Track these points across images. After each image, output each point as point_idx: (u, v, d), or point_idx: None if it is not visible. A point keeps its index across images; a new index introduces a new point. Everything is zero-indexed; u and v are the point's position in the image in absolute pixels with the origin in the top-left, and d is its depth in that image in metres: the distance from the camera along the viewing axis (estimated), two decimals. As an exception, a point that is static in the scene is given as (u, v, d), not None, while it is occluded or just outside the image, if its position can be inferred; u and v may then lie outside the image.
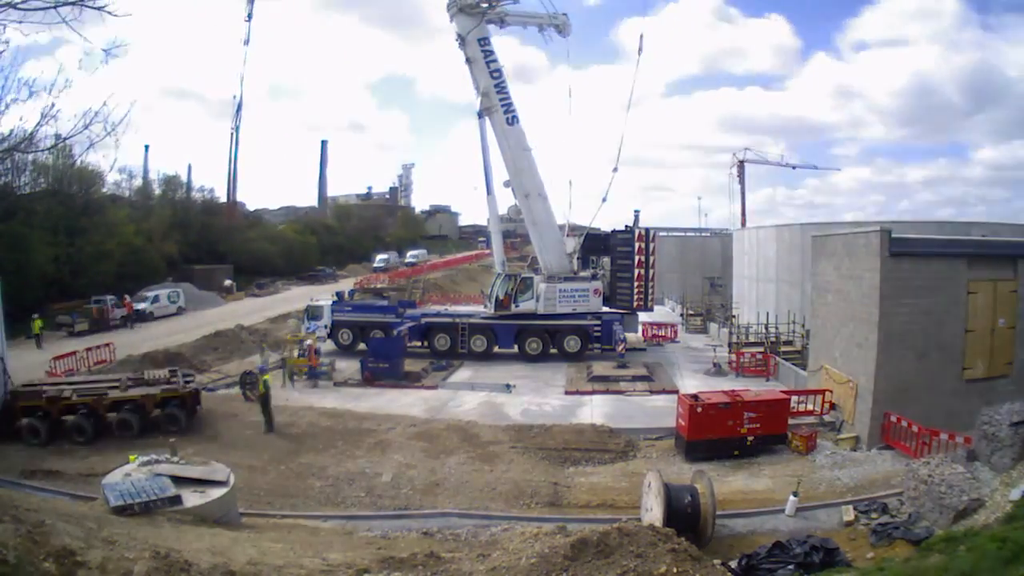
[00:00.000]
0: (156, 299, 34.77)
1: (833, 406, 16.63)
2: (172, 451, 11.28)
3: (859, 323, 15.55)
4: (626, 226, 26.65)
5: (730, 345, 25.08)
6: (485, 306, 26.41)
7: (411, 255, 62.66)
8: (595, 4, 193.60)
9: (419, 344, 24.75)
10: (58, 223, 32.86)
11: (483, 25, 24.03)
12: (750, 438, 14.65)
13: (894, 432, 14.49)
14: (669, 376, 21.86)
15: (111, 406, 15.41)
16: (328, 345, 25.52)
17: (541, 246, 25.63)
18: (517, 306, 24.65)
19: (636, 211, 30.65)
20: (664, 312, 38.15)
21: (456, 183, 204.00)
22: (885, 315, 14.68)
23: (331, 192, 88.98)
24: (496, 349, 24.78)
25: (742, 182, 67.35)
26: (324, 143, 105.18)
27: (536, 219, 25.41)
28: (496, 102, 24.14)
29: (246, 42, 53.07)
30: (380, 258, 58.92)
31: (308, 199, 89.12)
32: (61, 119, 7.92)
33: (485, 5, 23.98)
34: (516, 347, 24.70)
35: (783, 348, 23.73)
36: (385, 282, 46.73)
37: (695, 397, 14.91)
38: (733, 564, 9.59)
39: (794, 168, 73.90)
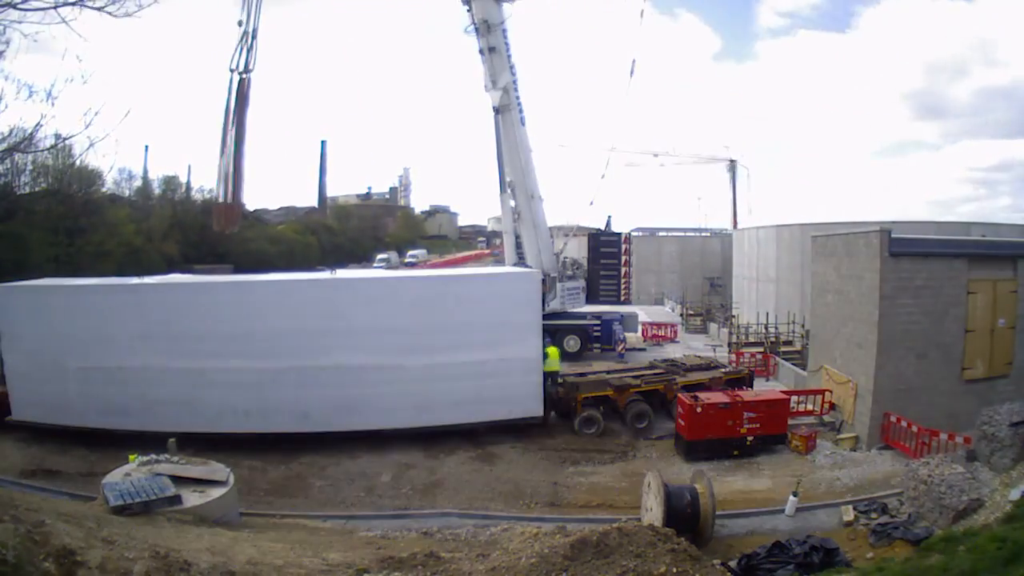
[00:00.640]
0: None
1: (833, 406, 16.63)
2: (172, 451, 11.28)
3: (859, 323, 15.55)
4: (600, 229, 28.17)
5: (730, 345, 25.08)
6: None
7: (411, 255, 62.70)
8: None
9: None
10: (58, 223, 32.82)
11: (503, 6, 22.06)
12: (750, 438, 14.65)
13: (894, 432, 14.49)
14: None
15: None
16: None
17: (540, 247, 25.64)
18: (547, 306, 24.55)
19: (608, 216, 31.29)
20: (664, 312, 38.16)
21: (456, 183, 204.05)
22: (885, 315, 14.68)
23: (331, 192, 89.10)
24: None
25: (733, 181, 67.17)
26: (324, 143, 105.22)
27: (537, 221, 25.39)
28: (514, 99, 23.12)
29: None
30: (380, 258, 58.91)
31: (308, 199, 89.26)
32: (61, 119, 7.94)
33: None
34: None
35: (783, 348, 23.73)
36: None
37: (695, 397, 14.92)
38: (733, 564, 9.58)
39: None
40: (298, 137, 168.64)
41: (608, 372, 17.89)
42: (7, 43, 7.11)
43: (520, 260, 24.65)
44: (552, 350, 16.94)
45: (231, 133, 16.34)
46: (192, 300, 15.10)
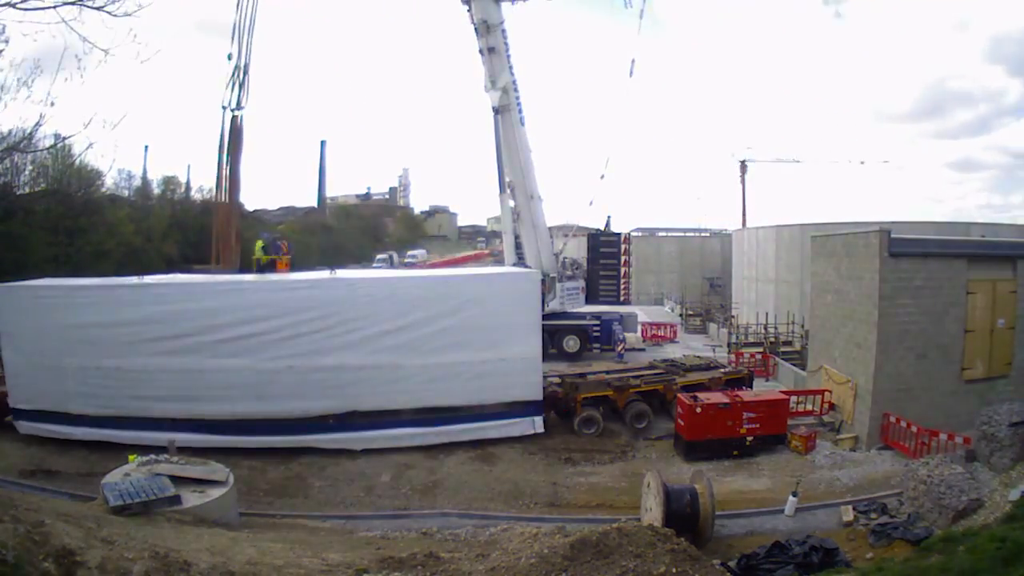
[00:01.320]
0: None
1: (832, 406, 16.64)
2: (172, 451, 11.27)
3: (858, 323, 15.55)
4: (600, 229, 27.58)
5: (729, 345, 25.10)
6: None
7: (411, 255, 62.60)
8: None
9: None
10: (58, 223, 32.82)
11: (502, 6, 22.11)
12: (749, 438, 14.65)
13: (893, 432, 14.49)
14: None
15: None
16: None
17: (540, 247, 25.64)
18: (547, 306, 24.56)
19: (608, 216, 31.06)
20: (663, 312, 38.16)
21: (456, 183, 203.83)
22: (884, 315, 14.69)
23: (331, 192, 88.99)
24: None
25: (743, 181, 67.28)
26: (323, 143, 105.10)
27: (536, 221, 25.39)
28: (513, 99, 23.20)
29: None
30: (380, 258, 58.79)
31: (308, 199, 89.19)
32: (61, 119, 7.95)
33: None
34: None
35: (782, 348, 23.75)
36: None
37: (694, 397, 14.92)
38: (732, 564, 9.59)
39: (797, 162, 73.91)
40: (298, 137, 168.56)
41: (608, 372, 17.90)
42: (7, 42, 7.11)
43: (520, 260, 24.63)
44: None
45: (225, 171, 16.14)
46: (191, 300, 15.07)
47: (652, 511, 10.84)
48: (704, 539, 10.67)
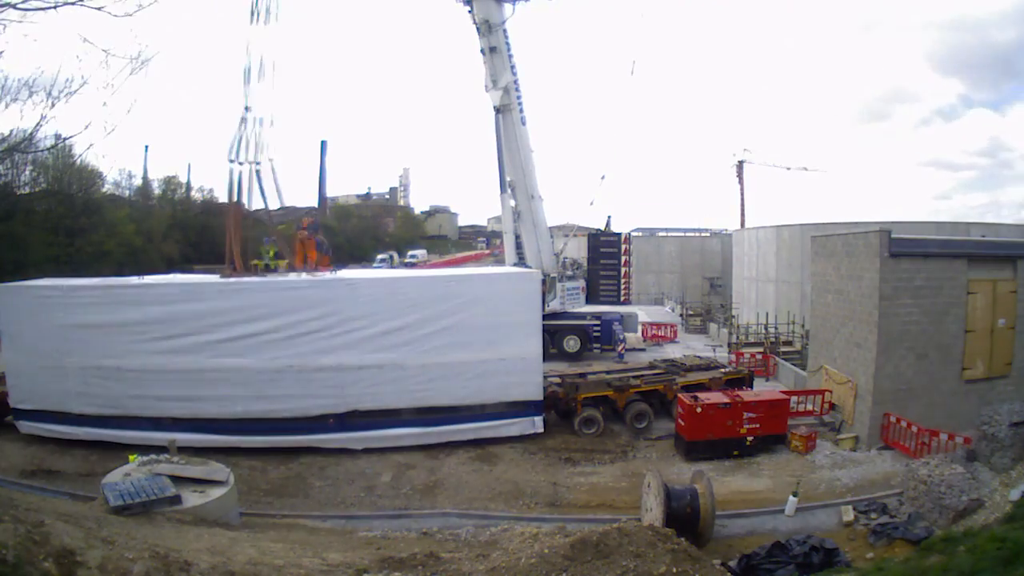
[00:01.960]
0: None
1: (833, 406, 16.63)
2: (172, 451, 11.27)
3: (858, 323, 15.55)
4: (600, 229, 27.53)
5: (730, 345, 25.08)
6: None
7: (411, 255, 62.60)
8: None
9: None
10: (58, 223, 32.88)
11: (503, 6, 22.14)
12: (750, 438, 14.65)
13: (894, 432, 14.49)
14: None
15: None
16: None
17: (540, 247, 25.64)
18: (547, 306, 24.55)
19: (608, 216, 31.00)
20: (663, 312, 38.15)
21: (456, 183, 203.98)
22: (885, 315, 14.69)
23: (331, 192, 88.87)
24: None
25: (741, 182, 67.28)
26: (324, 143, 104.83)
27: (537, 221, 25.39)
28: (514, 99, 23.18)
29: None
30: (380, 258, 58.81)
31: (308, 199, 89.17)
32: (61, 119, 7.96)
33: None
34: None
35: (783, 348, 23.72)
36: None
37: (695, 397, 14.92)
38: (733, 564, 9.60)
39: (788, 169, 74.47)
40: (298, 137, 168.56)
41: (608, 372, 17.91)
42: (7, 43, 7.12)
43: (520, 260, 24.61)
44: None
45: (231, 221, 16.23)
46: (191, 300, 15.08)
47: (652, 511, 10.84)
48: (704, 539, 10.68)
